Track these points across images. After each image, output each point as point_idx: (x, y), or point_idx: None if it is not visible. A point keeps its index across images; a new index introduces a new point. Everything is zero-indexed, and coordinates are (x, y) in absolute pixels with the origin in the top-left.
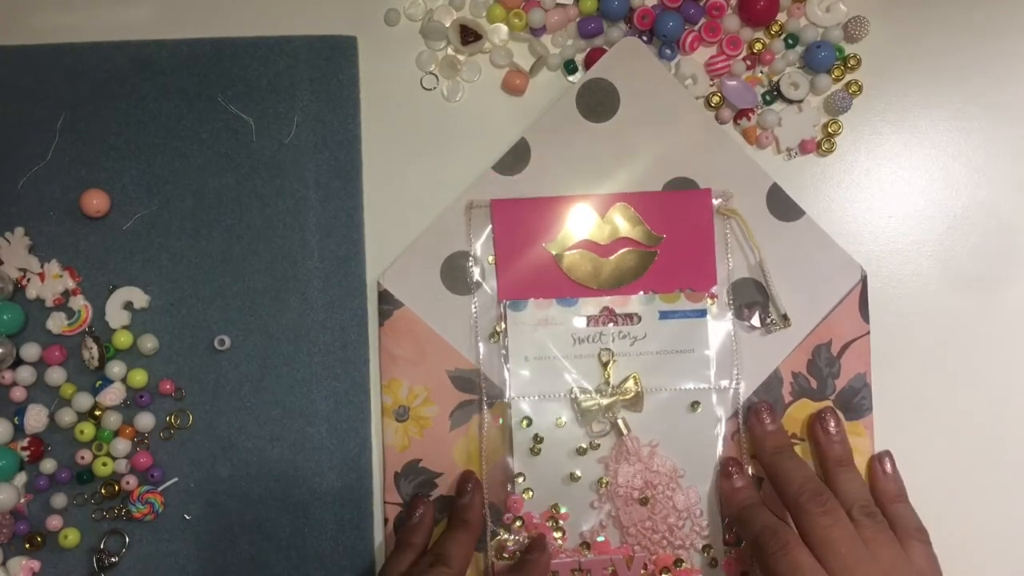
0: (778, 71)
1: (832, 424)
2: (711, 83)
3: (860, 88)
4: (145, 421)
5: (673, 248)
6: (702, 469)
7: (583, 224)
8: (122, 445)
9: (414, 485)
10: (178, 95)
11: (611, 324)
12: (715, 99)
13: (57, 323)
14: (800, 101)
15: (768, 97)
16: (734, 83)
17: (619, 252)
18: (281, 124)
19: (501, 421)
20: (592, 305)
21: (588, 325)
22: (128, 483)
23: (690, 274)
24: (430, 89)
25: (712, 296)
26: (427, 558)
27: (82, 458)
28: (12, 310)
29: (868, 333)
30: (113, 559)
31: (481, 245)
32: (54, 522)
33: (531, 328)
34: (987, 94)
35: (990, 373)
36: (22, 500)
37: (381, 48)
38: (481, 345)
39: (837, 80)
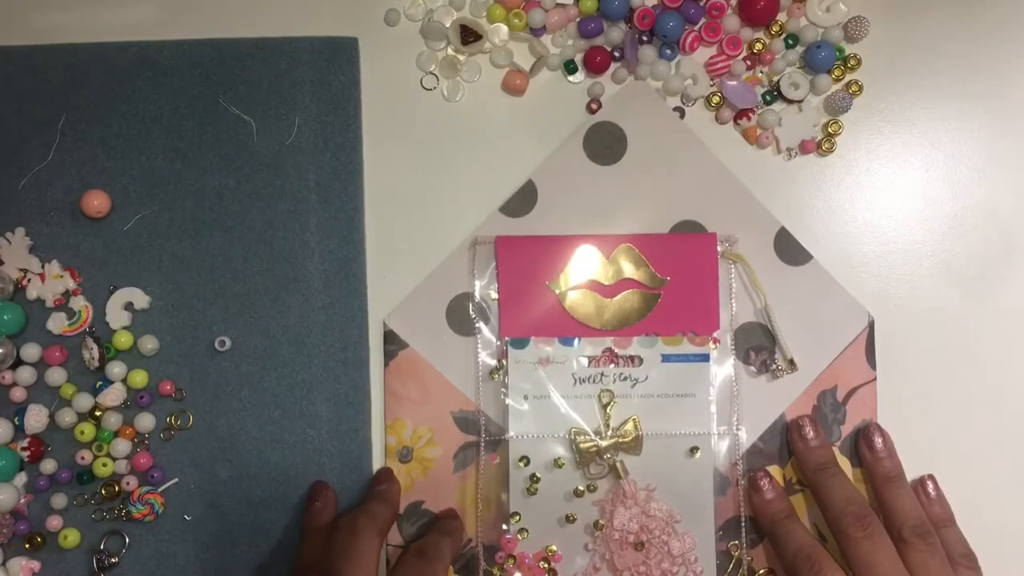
0: (778, 71)
1: (877, 440)
2: (711, 83)
3: (860, 88)
4: (145, 422)
5: (677, 291)
6: (699, 515)
7: (587, 264)
8: (122, 446)
9: (417, 527)
10: (179, 96)
11: (612, 365)
12: (715, 99)
13: (57, 323)
14: (800, 101)
15: (768, 97)
16: (734, 83)
17: (623, 293)
18: (282, 125)
19: (498, 460)
20: (594, 345)
21: (589, 365)
22: (128, 484)
23: (693, 318)
24: (430, 89)
25: (715, 340)
26: (354, 513)
27: (82, 458)
28: (12, 310)
29: (875, 379)
30: (113, 560)
31: (485, 282)
32: (54, 522)
33: (532, 366)
34: (987, 94)
35: (990, 372)
36: (22, 500)
37: (381, 48)
38: (481, 383)
39: (837, 80)
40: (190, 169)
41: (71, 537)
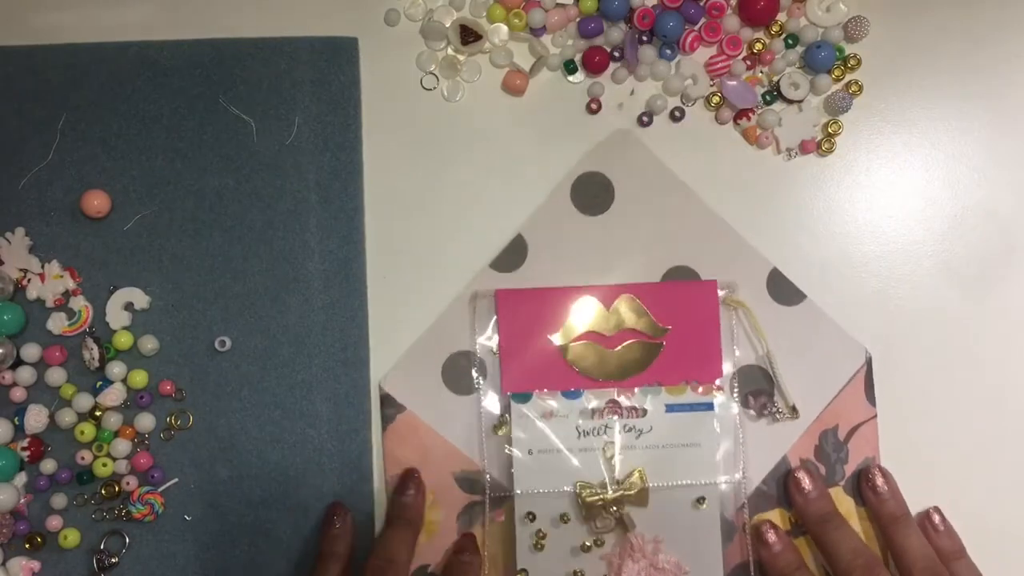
0: (778, 71)
1: (879, 481)
2: (711, 83)
3: (860, 88)
4: (145, 422)
5: (679, 339)
6: (707, 566)
7: (588, 315)
8: (122, 446)
9: None
10: (179, 96)
11: (616, 417)
12: (715, 99)
13: (57, 323)
14: (800, 101)
15: (768, 97)
16: (734, 83)
17: (624, 343)
18: (282, 125)
19: (503, 517)
20: (597, 397)
21: (593, 418)
22: (128, 484)
23: (696, 366)
24: (430, 89)
25: (718, 388)
26: (375, 561)
27: (82, 458)
28: (12, 310)
29: (875, 416)
30: (113, 560)
31: (485, 336)
32: (54, 522)
33: (535, 420)
34: (987, 94)
35: (990, 372)
36: (22, 500)
37: (381, 48)
38: (484, 439)
39: (837, 80)
40: (190, 169)
41: (71, 537)
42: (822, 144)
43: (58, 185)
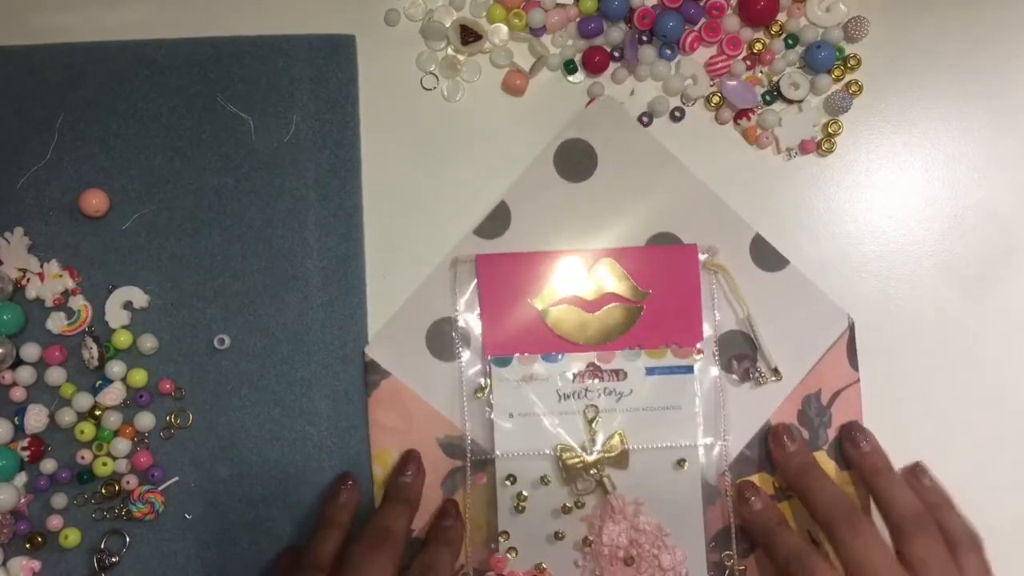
0: (778, 71)
1: (860, 437)
2: (711, 83)
3: (860, 88)
4: (145, 421)
5: (659, 303)
6: (688, 527)
7: (569, 279)
8: (122, 445)
9: (405, 558)
10: (177, 95)
11: (597, 380)
12: (715, 99)
13: (57, 323)
14: (800, 101)
15: (768, 97)
16: (734, 83)
17: (605, 307)
18: (280, 123)
19: (485, 480)
20: (578, 361)
21: (574, 381)
22: (128, 483)
23: (676, 329)
24: (430, 89)
25: (698, 351)
26: (371, 531)
27: (82, 458)
28: (12, 310)
29: (858, 381)
30: (114, 559)
31: (466, 302)
32: (54, 522)
33: (516, 384)
34: (987, 94)
35: (990, 372)
36: (22, 500)
37: (381, 48)
38: (466, 403)
39: (837, 80)
40: (189, 168)
41: (72, 537)
42: (822, 144)
43: (56, 184)
